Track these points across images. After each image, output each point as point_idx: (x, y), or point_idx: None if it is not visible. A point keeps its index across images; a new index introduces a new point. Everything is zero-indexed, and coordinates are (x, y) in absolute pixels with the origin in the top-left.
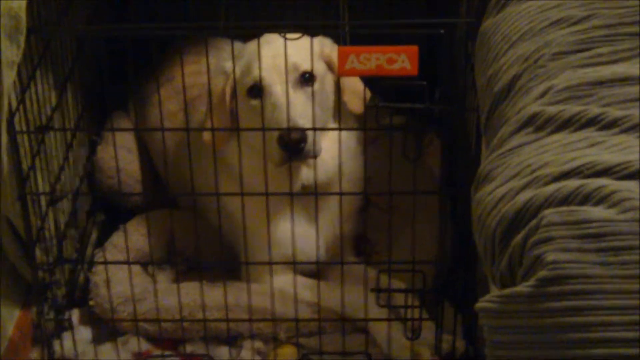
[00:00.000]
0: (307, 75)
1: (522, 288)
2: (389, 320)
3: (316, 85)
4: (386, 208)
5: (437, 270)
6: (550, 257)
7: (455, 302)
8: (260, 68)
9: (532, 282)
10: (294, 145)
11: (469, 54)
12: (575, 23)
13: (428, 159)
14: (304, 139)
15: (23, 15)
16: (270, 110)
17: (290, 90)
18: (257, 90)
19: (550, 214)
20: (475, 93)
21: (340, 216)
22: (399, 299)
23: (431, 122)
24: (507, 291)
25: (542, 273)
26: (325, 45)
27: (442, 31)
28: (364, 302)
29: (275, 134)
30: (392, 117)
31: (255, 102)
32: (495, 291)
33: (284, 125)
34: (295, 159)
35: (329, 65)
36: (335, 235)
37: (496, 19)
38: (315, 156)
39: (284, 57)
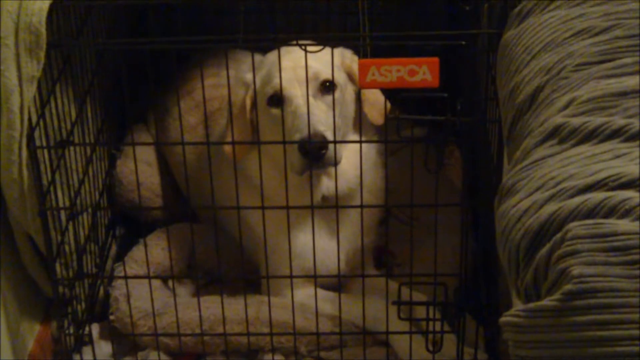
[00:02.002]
0: (327, 84)
1: (548, 302)
2: (410, 333)
3: (337, 94)
4: (407, 220)
5: (459, 283)
6: (576, 270)
7: (477, 314)
8: (280, 77)
9: (557, 296)
10: (315, 152)
11: (490, 65)
12: (597, 34)
13: (449, 170)
14: (325, 146)
15: (43, 30)
16: (291, 119)
17: (311, 99)
18: (278, 99)
19: (575, 227)
20: (496, 104)
21: (361, 228)
22: (420, 312)
23: (452, 134)
24: (532, 305)
25: (568, 287)
26: (345, 56)
27: (463, 42)
28: (385, 315)
29: (296, 139)
30: (413, 129)
31: (275, 112)
32: (519, 305)
33: (305, 133)
34: (316, 167)
35: (350, 76)
36: (355, 248)
37: (518, 30)
38: (336, 164)
39: (304, 66)
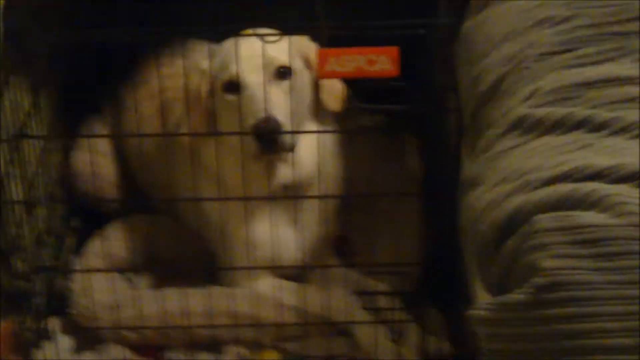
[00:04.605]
0: (282, 69)
1: (517, 295)
2: (373, 323)
3: (294, 80)
4: (366, 210)
5: (420, 272)
6: (544, 263)
7: (439, 303)
8: (236, 63)
9: (526, 289)
10: (268, 137)
11: (449, 55)
12: (559, 23)
13: (406, 158)
14: (278, 130)
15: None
16: (247, 104)
17: (267, 84)
18: (234, 85)
19: (542, 220)
20: (455, 93)
21: (321, 218)
22: (382, 302)
23: (410, 123)
24: (501, 298)
25: (537, 280)
26: (302, 43)
27: (422, 31)
28: (347, 305)
29: (250, 124)
30: (372, 118)
31: (231, 98)
32: (486, 298)
33: (259, 118)
34: (270, 151)
35: (306, 62)
36: (315, 237)
37: (478, 19)
38: (291, 149)
39: (260, 53)
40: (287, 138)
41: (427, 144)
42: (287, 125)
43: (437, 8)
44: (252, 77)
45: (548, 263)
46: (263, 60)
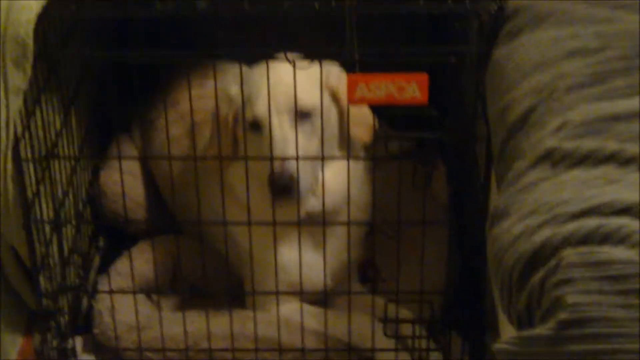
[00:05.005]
0: (306, 111)
1: (542, 330)
2: (396, 350)
3: (317, 121)
4: (392, 235)
5: (445, 300)
6: (570, 299)
7: (463, 331)
8: (258, 105)
9: (551, 324)
10: (281, 189)
11: (479, 83)
12: (589, 54)
13: (434, 185)
14: (291, 184)
15: (30, 41)
16: (265, 147)
17: (287, 129)
18: (256, 125)
19: (570, 255)
20: (485, 122)
21: (348, 244)
22: (406, 329)
23: (439, 151)
24: (526, 333)
25: (562, 315)
26: (330, 74)
27: (453, 60)
28: (370, 332)
29: (267, 173)
30: (401, 145)
31: (254, 137)
32: (511, 331)
33: (277, 164)
34: (284, 201)
35: (333, 96)
36: (341, 262)
37: (508, 48)
38: (307, 195)
39: (283, 93)
40: (303, 186)
41: (456, 172)
42: (304, 173)
43: (468, 36)
44: (273, 119)
45: (574, 298)
46: (286, 100)
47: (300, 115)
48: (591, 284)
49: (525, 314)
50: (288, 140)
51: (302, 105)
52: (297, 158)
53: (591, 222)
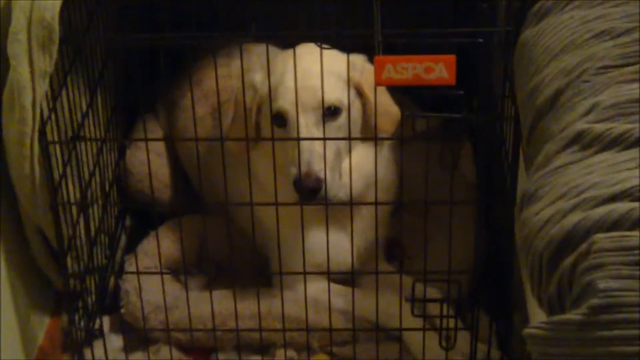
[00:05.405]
0: (333, 108)
1: (573, 316)
2: (423, 330)
3: (342, 118)
4: (419, 213)
5: (472, 279)
6: (602, 284)
7: (490, 311)
8: (284, 99)
9: (583, 309)
10: (308, 192)
11: (507, 63)
12: (619, 35)
13: (461, 164)
14: (319, 187)
15: (56, 25)
16: (292, 145)
17: (314, 127)
18: (281, 119)
19: (601, 240)
20: (512, 101)
21: (375, 223)
22: (433, 309)
23: (464, 129)
24: (557, 318)
25: (594, 301)
26: (355, 68)
27: (480, 40)
28: (398, 311)
29: (292, 173)
30: (428, 123)
31: (278, 130)
32: (541, 315)
33: (304, 166)
34: (310, 202)
35: (358, 90)
36: (367, 242)
37: (536, 29)
38: (333, 198)
39: (310, 87)
40: (328, 190)
41: (483, 152)
42: (331, 175)
43: (495, 16)
44: (301, 118)
45: (605, 284)
46: (312, 97)
47: (327, 112)
48: (623, 269)
49: (555, 298)
50: (312, 146)
51: (331, 101)
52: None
53: (622, 206)
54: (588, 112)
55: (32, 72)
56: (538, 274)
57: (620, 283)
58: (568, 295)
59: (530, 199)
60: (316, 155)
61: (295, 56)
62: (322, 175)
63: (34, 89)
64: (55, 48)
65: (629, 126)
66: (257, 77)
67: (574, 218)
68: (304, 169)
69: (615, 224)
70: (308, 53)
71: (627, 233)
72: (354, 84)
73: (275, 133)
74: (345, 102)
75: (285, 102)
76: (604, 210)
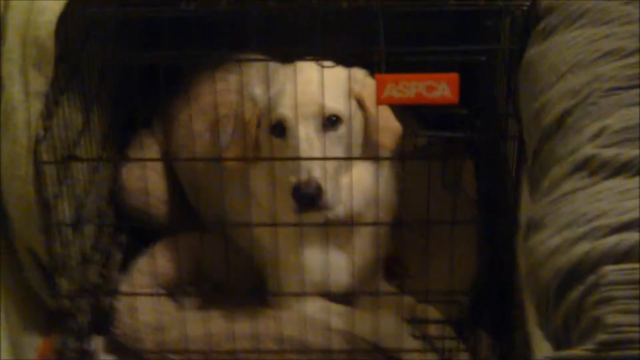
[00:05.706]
0: (333, 118)
1: (580, 351)
2: (423, 351)
3: (343, 128)
4: (420, 231)
5: (473, 299)
6: (611, 319)
7: (491, 330)
8: (284, 109)
9: (591, 345)
10: (307, 200)
11: (510, 81)
12: (627, 56)
13: (462, 180)
14: (318, 195)
15: (51, 44)
16: (291, 154)
17: (314, 135)
18: (281, 129)
19: (611, 272)
20: (517, 121)
21: (377, 242)
22: (434, 329)
23: (466, 146)
24: (564, 353)
25: (602, 336)
26: (356, 80)
27: (483, 58)
28: (397, 332)
29: (290, 182)
30: (429, 139)
31: (278, 141)
32: (545, 346)
33: (300, 177)
34: (308, 211)
35: (359, 102)
36: (365, 261)
37: (542, 47)
38: (332, 209)
39: (310, 98)
40: (328, 199)
41: (485, 170)
42: (330, 185)
43: (499, 34)
44: (300, 126)
45: (615, 319)
46: (312, 106)
47: (327, 121)
48: (632, 304)
49: (562, 331)
50: (314, 148)
51: (332, 111)
52: (323, 158)
53: (631, 237)
54: (596, 136)
55: (26, 92)
56: (544, 305)
57: (630, 318)
58: (575, 328)
59: (536, 227)
60: (316, 163)
61: (297, 68)
62: (321, 183)
63: (28, 109)
64: (50, 68)
65: (638, 152)
66: (257, 89)
67: (582, 248)
68: (303, 176)
69: (625, 255)
70: (309, 66)
71: (638, 265)
72: (355, 96)
73: (275, 145)
74: (346, 113)
75: (285, 108)
76: (613, 241)
